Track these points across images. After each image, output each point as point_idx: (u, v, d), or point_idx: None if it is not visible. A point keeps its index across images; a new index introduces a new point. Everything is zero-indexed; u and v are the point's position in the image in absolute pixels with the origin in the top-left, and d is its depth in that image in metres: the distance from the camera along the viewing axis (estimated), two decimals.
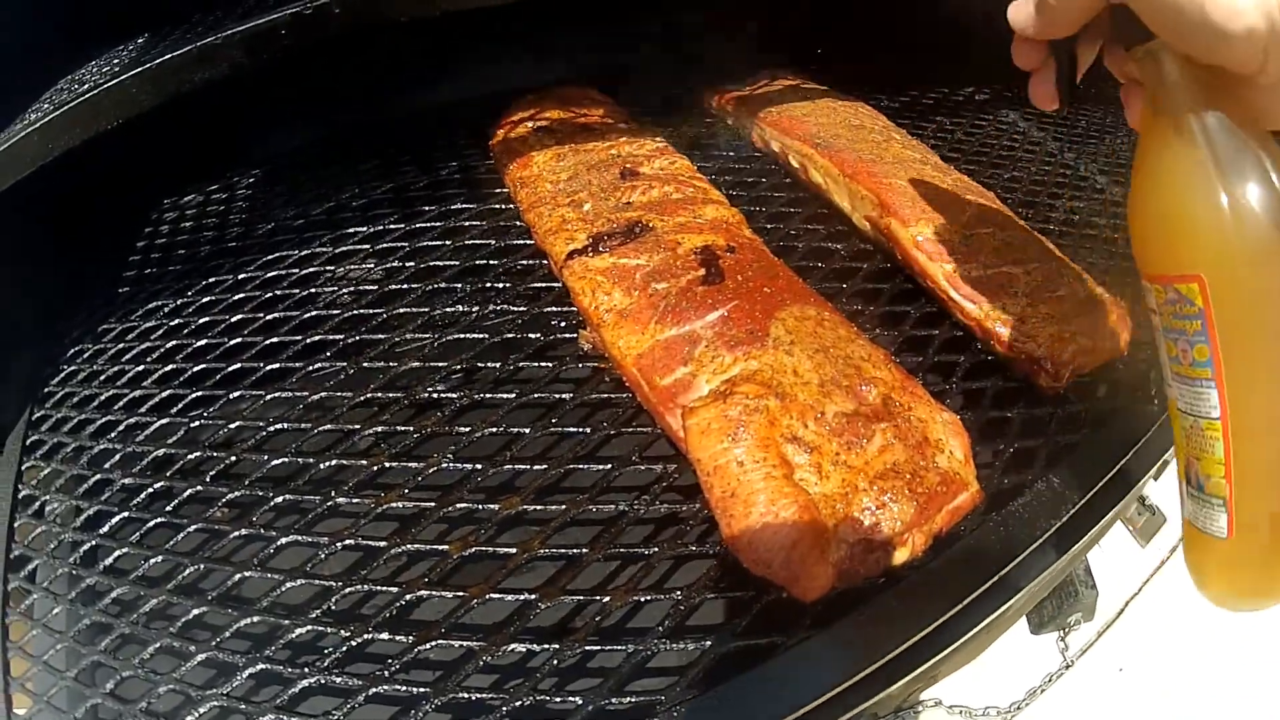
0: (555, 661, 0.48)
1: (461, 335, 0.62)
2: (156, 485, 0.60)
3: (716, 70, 0.93)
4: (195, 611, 0.54)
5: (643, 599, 0.51)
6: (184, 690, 0.51)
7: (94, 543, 0.60)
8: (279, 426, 0.60)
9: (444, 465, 0.56)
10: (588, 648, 0.49)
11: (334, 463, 0.57)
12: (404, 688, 0.48)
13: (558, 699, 0.47)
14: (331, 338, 0.63)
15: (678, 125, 0.84)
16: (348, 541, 0.54)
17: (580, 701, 0.47)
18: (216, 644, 0.52)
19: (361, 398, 0.60)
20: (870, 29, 1.00)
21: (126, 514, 0.60)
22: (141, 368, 0.66)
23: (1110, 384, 0.72)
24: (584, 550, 0.52)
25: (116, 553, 0.59)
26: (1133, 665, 1.13)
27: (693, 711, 0.46)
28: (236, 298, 0.67)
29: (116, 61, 0.66)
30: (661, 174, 0.70)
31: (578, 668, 0.50)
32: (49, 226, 0.73)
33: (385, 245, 0.69)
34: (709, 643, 0.49)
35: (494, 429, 0.57)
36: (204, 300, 0.68)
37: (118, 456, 0.63)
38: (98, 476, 0.63)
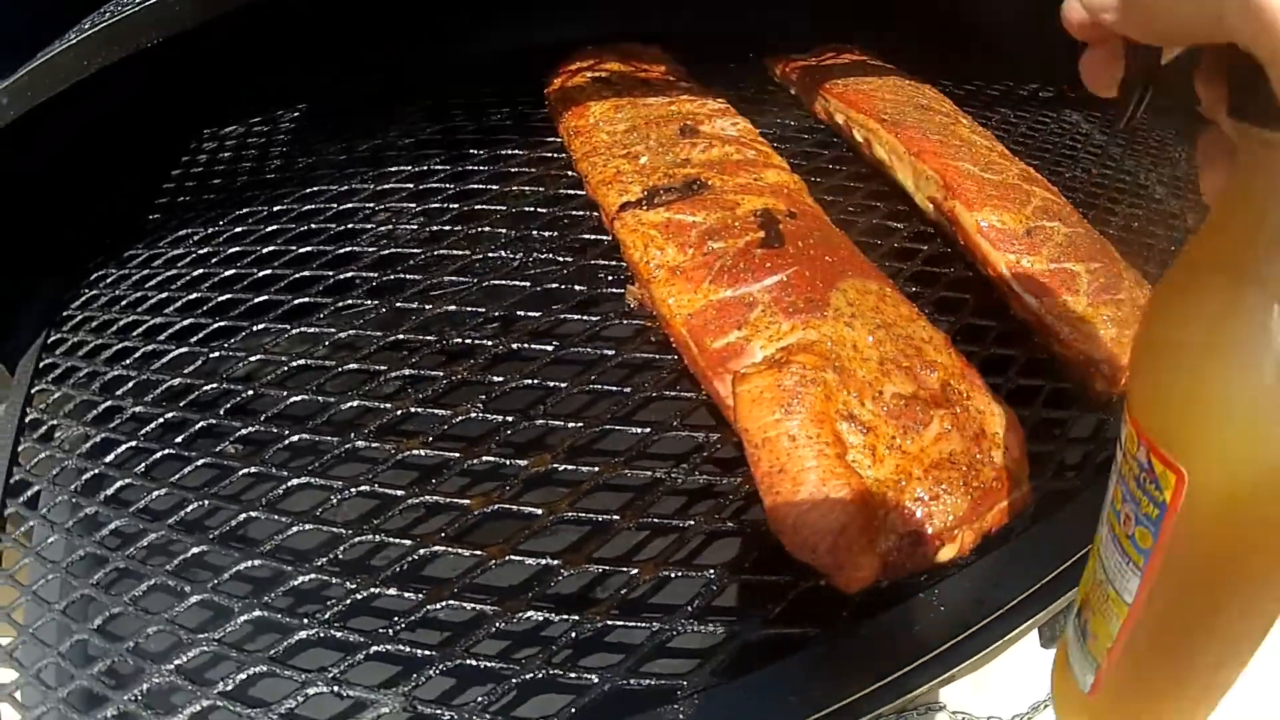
0: (573, 634, 0.44)
1: (502, 282, 0.59)
2: (169, 415, 0.57)
3: (779, 37, 0.89)
4: (195, 550, 0.50)
5: (672, 574, 0.47)
6: (174, 631, 0.47)
7: (97, 471, 0.57)
8: (301, 363, 0.57)
9: (472, 415, 0.52)
10: (609, 622, 0.45)
11: (356, 404, 0.54)
12: (408, 648, 0.44)
13: (572, 674, 0.43)
14: (365, 275, 0.60)
15: (739, 89, 0.80)
16: (363, 488, 0.50)
17: (596, 680, 0.43)
18: (214, 586, 0.48)
19: (391, 338, 0.57)
20: (936, 14, 0.96)
21: (134, 443, 0.57)
22: (165, 295, 0.63)
23: None
24: (614, 517, 0.48)
25: (120, 483, 0.55)
26: None
27: (715, 699, 0.43)
28: (269, 229, 0.64)
29: None
30: (722, 134, 0.67)
31: (596, 642, 0.46)
32: (83, 148, 0.71)
33: (429, 186, 0.66)
34: (738, 627, 0.45)
35: (529, 381, 0.53)
36: (235, 230, 0.65)
37: (131, 384, 0.60)
38: (108, 403, 0.60)
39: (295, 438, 0.54)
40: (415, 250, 0.61)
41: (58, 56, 0.59)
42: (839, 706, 0.44)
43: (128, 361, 0.61)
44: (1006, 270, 0.66)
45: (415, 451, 0.52)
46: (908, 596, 0.49)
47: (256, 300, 0.60)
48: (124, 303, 0.64)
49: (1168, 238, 0.84)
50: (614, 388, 0.54)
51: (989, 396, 0.56)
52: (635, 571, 0.47)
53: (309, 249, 0.62)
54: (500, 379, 0.54)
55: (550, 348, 0.55)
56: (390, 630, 0.45)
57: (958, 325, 0.64)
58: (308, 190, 0.67)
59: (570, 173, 0.66)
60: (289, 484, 0.51)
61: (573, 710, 0.42)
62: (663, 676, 0.43)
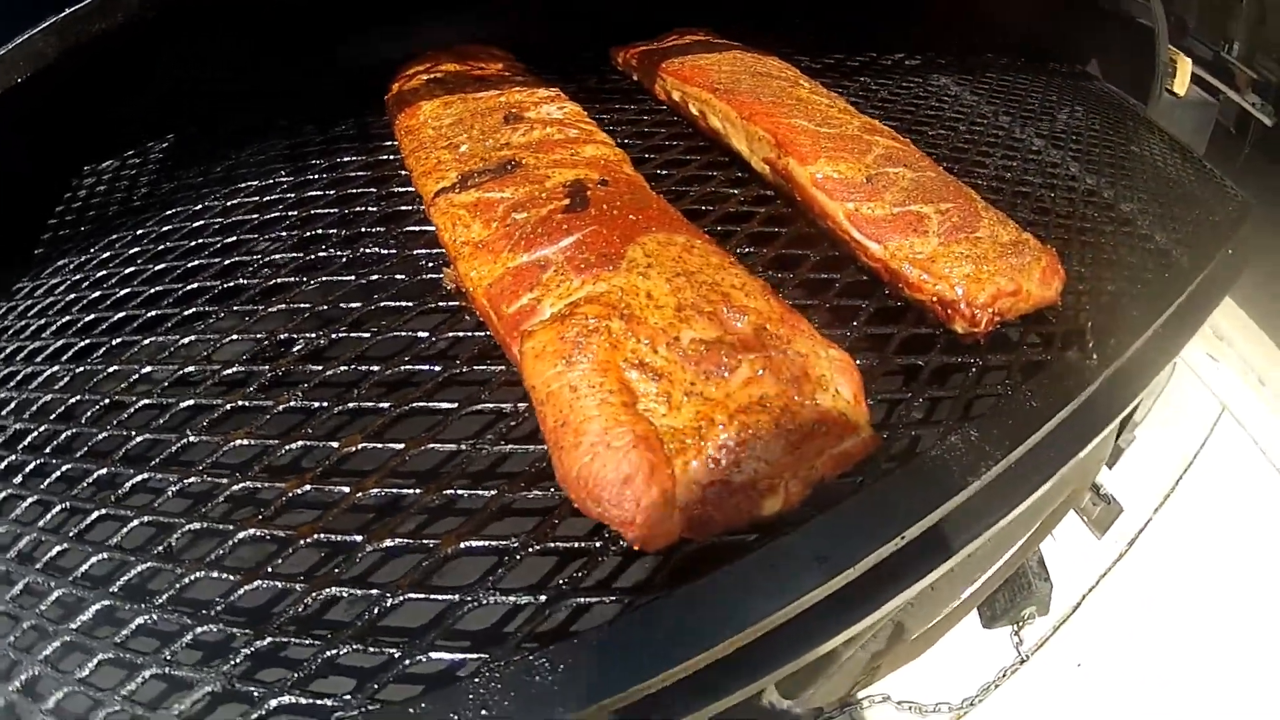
0: (375, 609, 0.45)
1: (329, 278, 0.62)
2: (41, 428, 0.61)
3: (628, 32, 0.91)
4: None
5: (474, 544, 0.47)
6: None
7: None
8: (148, 369, 0.60)
9: (291, 404, 0.55)
10: (410, 595, 0.45)
11: (190, 403, 0.57)
12: (223, 628, 0.46)
13: (374, 649, 0.43)
14: (209, 284, 0.63)
15: (580, 81, 0.82)
16: (192, 480, 0.53)
17: (397, 654, 0.43)
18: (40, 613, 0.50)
19: (226, 341, 0.60)
20: None
21: (13, 457, 0.60)
22: (42, 321, 0.68)
23: (1042, 337, 0.66)
24: (414, 492, 0.49)
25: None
26: (1091, 661, 1.04)
27: (518, 676, 0.42)
28: (131, 252, 0.69)
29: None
30: (547, 117, 0.68)
31: (395, 620, 0.46)
32: None
33: (271, 197, 0.70)
34: (544, 598, 0.45)
35: (344, 368, 0.56)
36: (103, 256, 0.70)
37: (13, 404, 0.64)
38: None
39: (141, 438, 0.56)
40: (255, 257, 0.64)
41: None
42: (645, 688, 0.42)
43: (11, 384, 0.65)
44: (845, 219, 0.65)
45: (241, 442, 0.54)
46: (735, 556, 0.46)
47: (115, 317, 0.64)
48: (10, 333, 0.69)
49: (1045, 184, 0.82)
50: (425, 367, 0.55)
51: (814, 340, 0.54)
52: (435, 543, 0.47)
53: (163, 266, 0.66)
54: (319, 367, 0.56)
55: (368, 335, 0.57)
56: (208, 612, 0.46)
57: (797, 281, 0.64)
58: (167, 213, 0.71)
59: (404, 171, 0.69)
60: (128, 482, 0.54)
61: (375, 685, 0.42)
62: (463, 653, 0.43)
